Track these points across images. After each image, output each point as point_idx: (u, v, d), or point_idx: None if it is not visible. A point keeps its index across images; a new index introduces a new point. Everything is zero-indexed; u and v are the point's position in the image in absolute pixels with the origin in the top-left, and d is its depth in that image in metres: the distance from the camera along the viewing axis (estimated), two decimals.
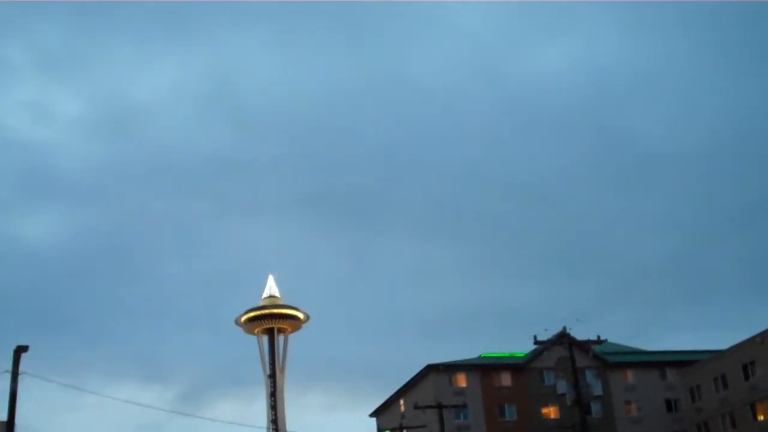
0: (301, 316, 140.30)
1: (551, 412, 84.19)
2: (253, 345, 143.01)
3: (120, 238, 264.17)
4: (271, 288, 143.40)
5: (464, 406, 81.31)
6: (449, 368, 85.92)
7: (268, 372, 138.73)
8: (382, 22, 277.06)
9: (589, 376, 77.97)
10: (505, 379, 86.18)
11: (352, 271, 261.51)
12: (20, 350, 32.60)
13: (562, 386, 58.31)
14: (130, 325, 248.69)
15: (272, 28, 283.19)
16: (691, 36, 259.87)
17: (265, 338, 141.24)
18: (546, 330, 62.60)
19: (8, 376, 31.86)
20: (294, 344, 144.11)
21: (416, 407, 71.95)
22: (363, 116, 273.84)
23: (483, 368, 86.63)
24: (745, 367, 74.12)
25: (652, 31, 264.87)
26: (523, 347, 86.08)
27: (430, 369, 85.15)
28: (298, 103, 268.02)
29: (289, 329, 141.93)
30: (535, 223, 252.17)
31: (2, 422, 30.92)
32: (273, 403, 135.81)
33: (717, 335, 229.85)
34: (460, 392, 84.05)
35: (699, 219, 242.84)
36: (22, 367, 32.40)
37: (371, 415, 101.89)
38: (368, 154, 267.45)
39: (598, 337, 61.80)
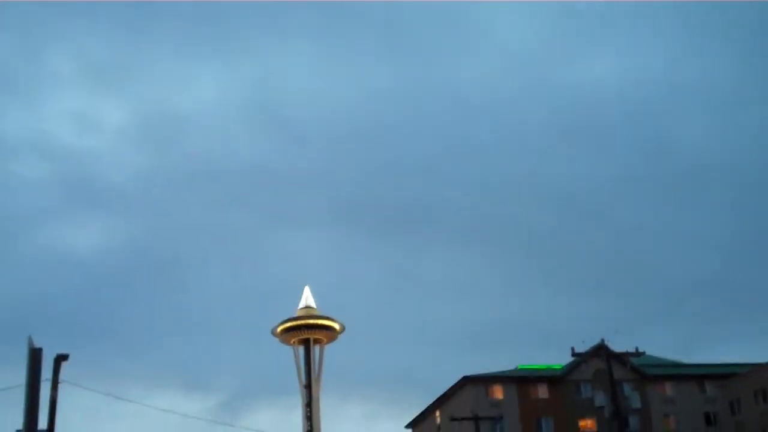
0: (336, 326, 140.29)
1: (588, 424, 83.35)
2: (291, 355, 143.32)
3: (163, 248, 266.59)
4: (308, 299, 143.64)
5: (500, 418, 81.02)
6: (486, 380, 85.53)
7: (303, 382, 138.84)
8: (427, 33, 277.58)
9: (627, 389, 77.54)
10: (542, 392, 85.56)
11: (391, 282, 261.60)
12: (60, 359, 32.89)
13: (600, 399, 57.95)
14: (172, 333, 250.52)
15: (316, 39, 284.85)
16: (736, 46, 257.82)
17: (301, 349, 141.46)
18: (584, 342, 62.35)
19: (49, 385, 32.18)
20: (332, 354, 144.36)
21: (452, 419, 71.83)
22: (406, 127, 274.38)
23: (520, 380, 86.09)
24: None
25: (696, 42, 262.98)
26: (560, 359, 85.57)
27: (467, 380, 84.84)
28: (341, 114, 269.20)
29: (325, 340, 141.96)
30: (577, 236, 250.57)
31: (42, 431, 31.14)
32: (308, 414, 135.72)
33: (759, 349, 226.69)
34: (497, 404, 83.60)
35: (743, 232, 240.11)
36: (62, 376, 32.72)
37: (407, 426, 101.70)
38: (410, 165, 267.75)
39: (636, 349, 61.40)
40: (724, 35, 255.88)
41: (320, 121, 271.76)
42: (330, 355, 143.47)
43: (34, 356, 30.80)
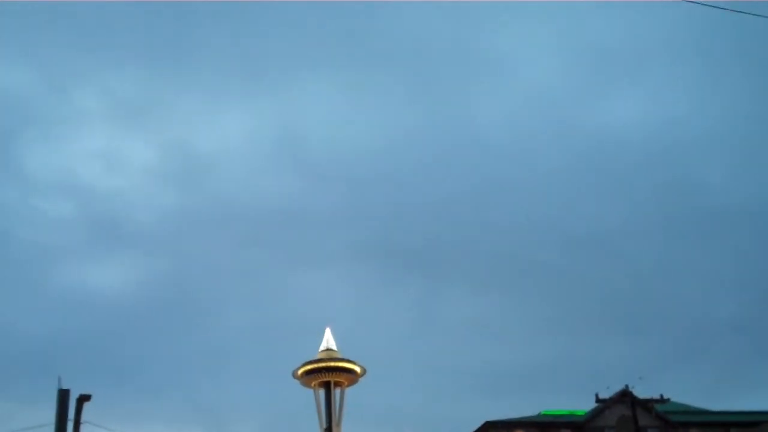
0: (357, 369, 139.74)
1: None
2: (312, 396, 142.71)
3: (187, 288, 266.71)
4: (328, 341, 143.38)
5: None
6: (508, 425, 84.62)
7: (324, 426, 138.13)
8: (449, 72, 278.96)
9: None
10: None
11: (414, 324, 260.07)
12: (83, 399, 32.96)
13: None
14: (194, 374, 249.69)
15: (340, 80, 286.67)
16: (760, 84, 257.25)
17: (321, 391, 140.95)
18: (608, 388, 61.95)
19: (71, 425, 32.18)
20: (354, 397, 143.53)
21: None
22: (428, 167, 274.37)
23: (542, 426, 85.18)
24: None
25: (721, 83, 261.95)
26: (584, 405, 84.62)
27: (489, 426, 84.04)
28: (364, 154, 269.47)
29: (346, 382, 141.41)
30: (600, 278, 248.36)
31: None
32: None
33: None
34: None
35: None
36: (84, 416, 32.73)
37: None
38: (433, 206, 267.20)
39: (661, 396, 60.95)
40: (746, 74, 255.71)
41: (343, 162, 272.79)
42: (352, 397, 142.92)
43: (62, 397, 30.92)
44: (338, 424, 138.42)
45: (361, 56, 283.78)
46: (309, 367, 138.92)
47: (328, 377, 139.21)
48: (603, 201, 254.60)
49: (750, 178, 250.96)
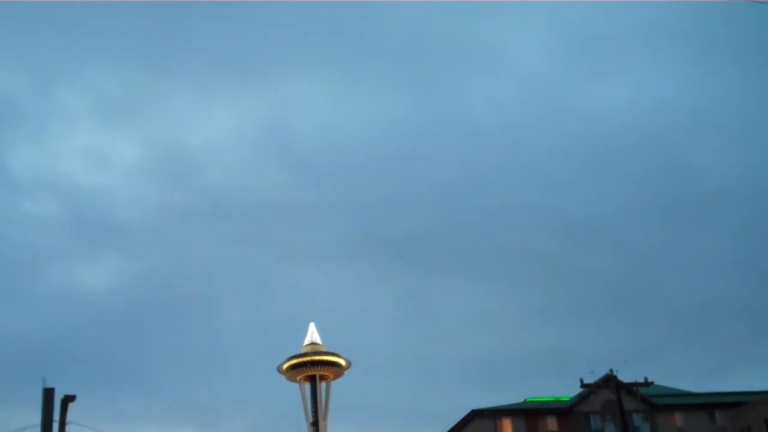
0: (342, 362, 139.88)
1: None
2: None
3: (176, 284, 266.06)
4: (313, 335, 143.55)
5: None
6: (494, 413, 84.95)
7: (311, 420, 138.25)
8: (441, 61, 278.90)
9: (637, 420, 77.10)
10: (551, 424, 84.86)
11: (403, 316, 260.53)
12: (67, 400, 32.86)
13: (611, 430, 57.69)
14: (185, 371, 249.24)
15: (329, 72, 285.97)
16: (748, 67, 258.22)
17: (307, 385, 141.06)
18: (593, 373, 62.23)
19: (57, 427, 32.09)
20: (342, 390, 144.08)
21: None
22: (421, 158, 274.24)
23: (528, 413, 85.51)
24: None
25: (710, 65, 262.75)
26: (570, 391, 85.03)
27: (475, 414, 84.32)
28: (355, 146, 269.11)
29: (331, 376, 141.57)
30: (594, 264, 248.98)
31: None
32: None
33: None
34: None
35: (760, 254, 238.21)
36: (71, 417, 32.62)
37: None
38: (425, 196, 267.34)
39: (646, 379, 61.27)
40: (735, 57, 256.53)
41: (334, 154, 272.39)
42: (339, 390, 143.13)
43: (47, 396, 30.82)
44: (324, 418, 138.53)
45: (349, 48, 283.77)
46: (293, 361, 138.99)
47: (312, 371, 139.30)
48: (596, 186, 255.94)
49: (741, 158, 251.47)
